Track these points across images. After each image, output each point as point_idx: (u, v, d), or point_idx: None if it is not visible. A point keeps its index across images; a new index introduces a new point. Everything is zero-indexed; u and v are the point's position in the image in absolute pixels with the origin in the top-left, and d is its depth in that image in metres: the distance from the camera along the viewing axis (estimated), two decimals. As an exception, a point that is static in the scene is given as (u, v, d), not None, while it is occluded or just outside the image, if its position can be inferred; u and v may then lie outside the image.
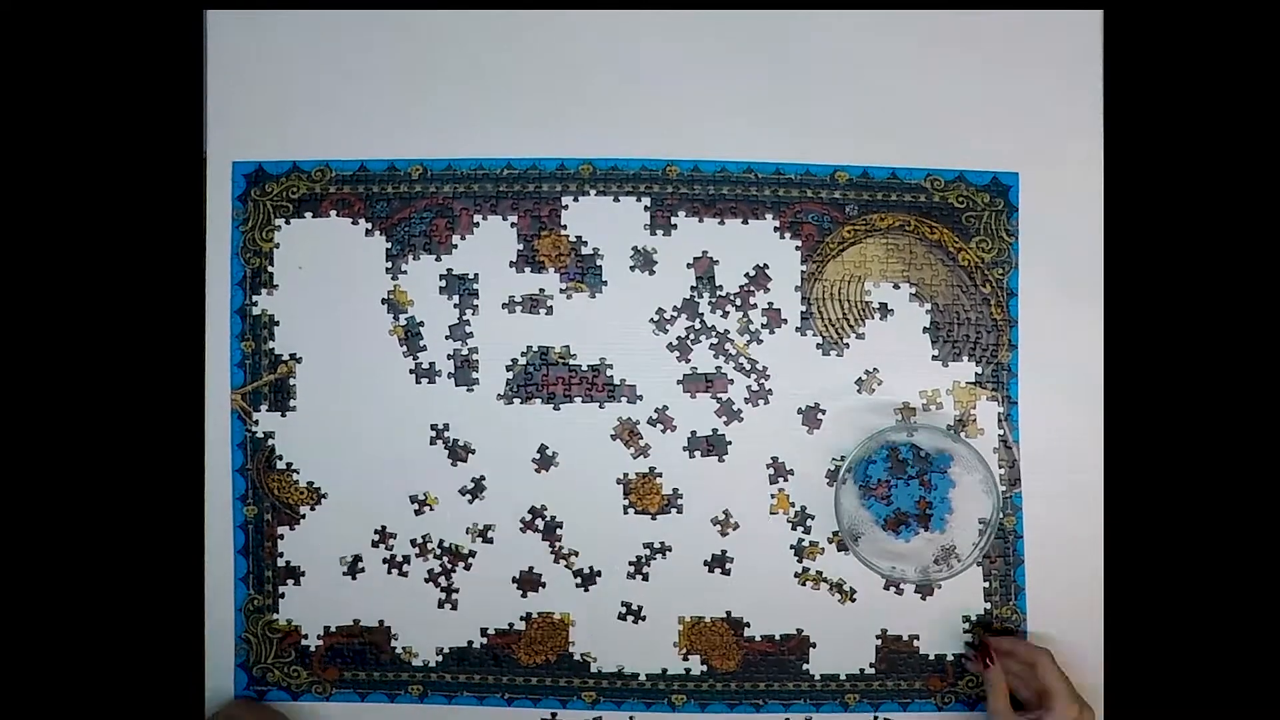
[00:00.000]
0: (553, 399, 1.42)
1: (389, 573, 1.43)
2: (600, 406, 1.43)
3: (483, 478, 1.43)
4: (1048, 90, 1.42)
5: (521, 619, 1.43)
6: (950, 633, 1.42)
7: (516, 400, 1.42)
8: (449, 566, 1.43)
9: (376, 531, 1.43)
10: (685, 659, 1.43)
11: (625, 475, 1.43)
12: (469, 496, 1.43)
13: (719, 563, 1.42)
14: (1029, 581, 1.42)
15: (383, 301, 1.43)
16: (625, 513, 1.43)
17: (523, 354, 1.43)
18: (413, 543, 1.43)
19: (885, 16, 1.42)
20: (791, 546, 1.42)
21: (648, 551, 1.43)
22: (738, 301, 1.42)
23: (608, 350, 1.43)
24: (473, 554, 1.43)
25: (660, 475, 1.43)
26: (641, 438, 1.42)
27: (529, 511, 1.43)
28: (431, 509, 1.43)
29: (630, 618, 1.43)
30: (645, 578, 1.43)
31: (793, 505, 1.42)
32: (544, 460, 1.43)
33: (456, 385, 1.43)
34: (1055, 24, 1.43)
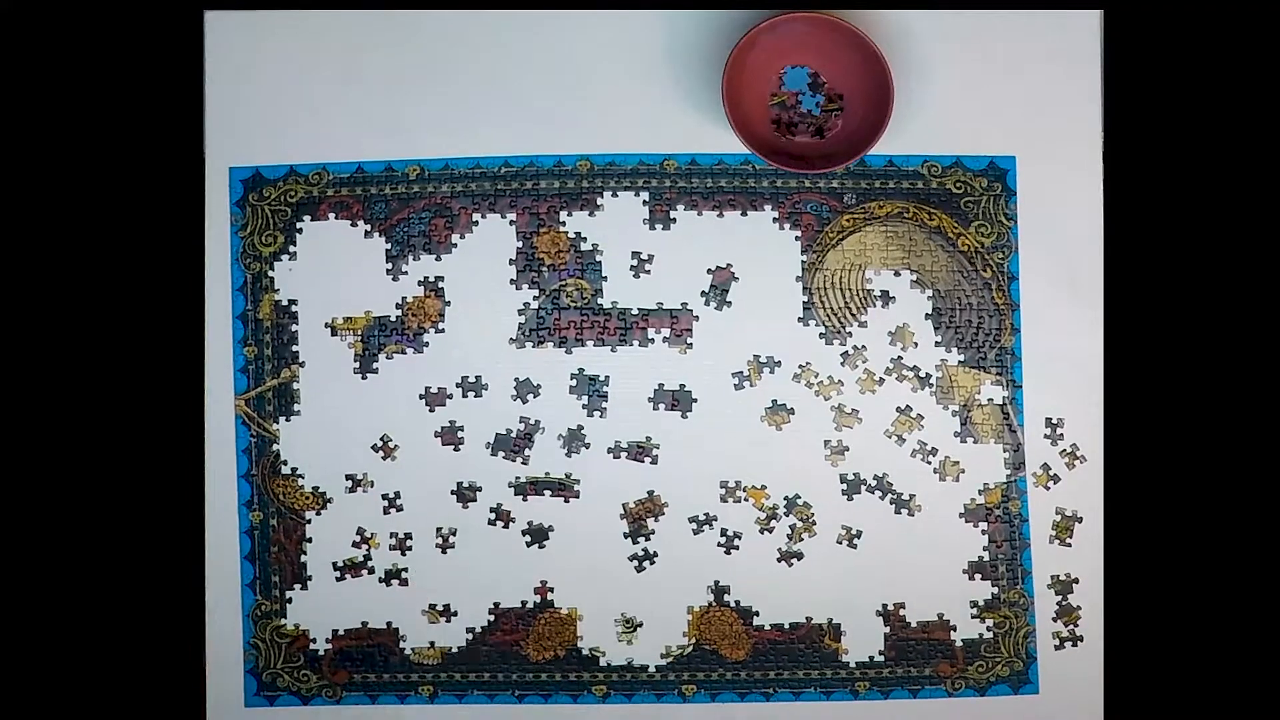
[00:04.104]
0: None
1: (395, 574, 1.44)
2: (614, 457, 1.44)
3: (480, 486, 1.44)
4: (1044, 76, 1.42)
5: (531, 610, 1.44)
6: (960, 616, 1.43)
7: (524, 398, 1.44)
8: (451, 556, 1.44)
9: (386, 534, 1.44)
10: (695, 649, 1.43)
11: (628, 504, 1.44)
12: (466, 500, 1.44)
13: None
14: (1035, 565, 1.43)
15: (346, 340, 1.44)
16: (625, 539, 1.44)
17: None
18: (405, 545, 1.44)
19: (882, 15, 1.43)
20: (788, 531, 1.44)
21: (643, 552, 1.44)
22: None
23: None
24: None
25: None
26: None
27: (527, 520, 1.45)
28: (435, 509, 1.44)
29: (634, 621, 1.44)
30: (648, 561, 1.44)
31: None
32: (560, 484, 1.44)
33: (464, 395, 1.44)
34: (1053, 20, 1.43)
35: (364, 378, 1.43)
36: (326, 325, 1.44)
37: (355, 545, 1.43)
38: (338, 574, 1.43)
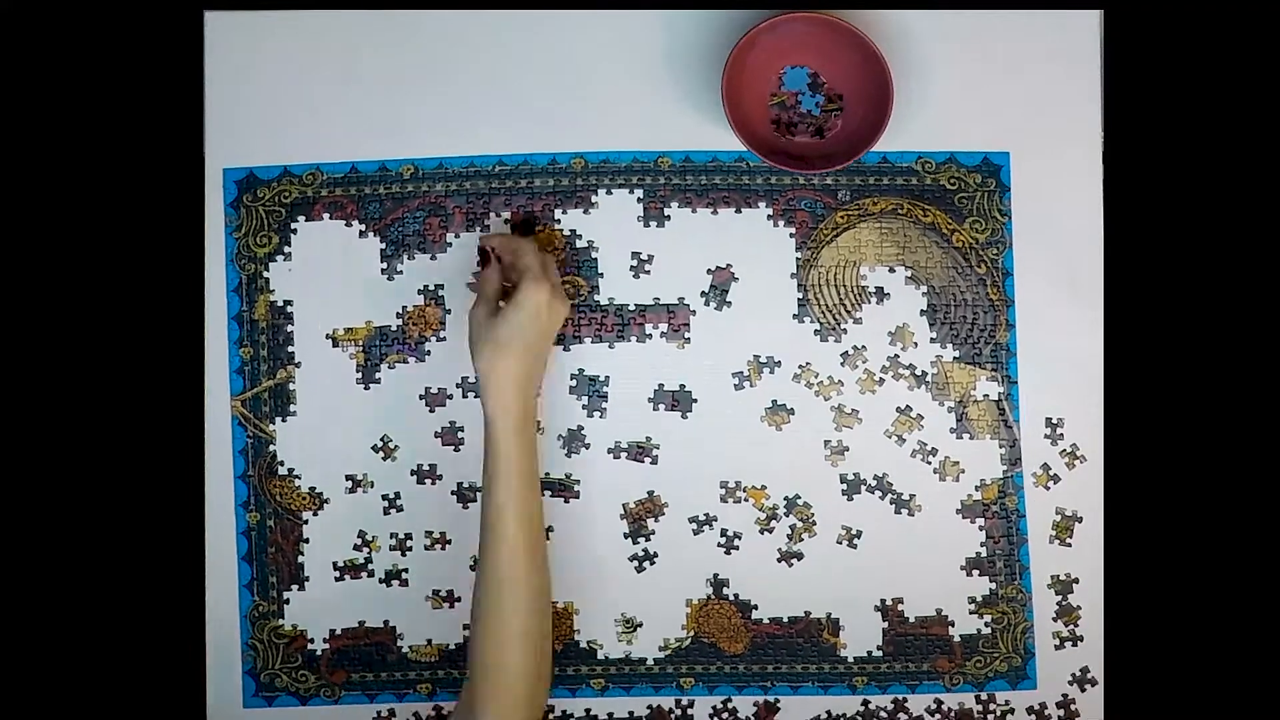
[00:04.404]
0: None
1: (394, 575, 1.44)
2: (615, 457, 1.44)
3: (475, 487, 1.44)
4: (1038, 72, 1.42)
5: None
6: (958, 612, 1.43)
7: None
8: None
9: (380, 534, 1.44)
10: (693, 642, 1.43)
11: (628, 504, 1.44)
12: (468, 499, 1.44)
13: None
14: (1032, 560, 1.43)
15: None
16: (626, 539, 1.44)
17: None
18: (405, 545, 1.44)
19: (882, 15, 1.42)
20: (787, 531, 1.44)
21: (643, 553, 1.44)
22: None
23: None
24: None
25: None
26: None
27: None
28: (435, 509, 1.44)
29: (634, 621, 1.44)
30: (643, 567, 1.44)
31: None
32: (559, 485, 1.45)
33: (464, 396, 1.44)
34: (1053, 20, 1.43)
35: (366, 388, 1.43)
36: (327, 337, 1.43)
37: (356, 548, 1.44)
38: (337, 574, 1.43)
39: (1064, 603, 1.42)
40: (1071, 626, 1.42)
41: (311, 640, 1.43)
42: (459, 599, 1.43)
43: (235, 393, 1.43)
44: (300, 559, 1.43)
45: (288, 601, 1.43)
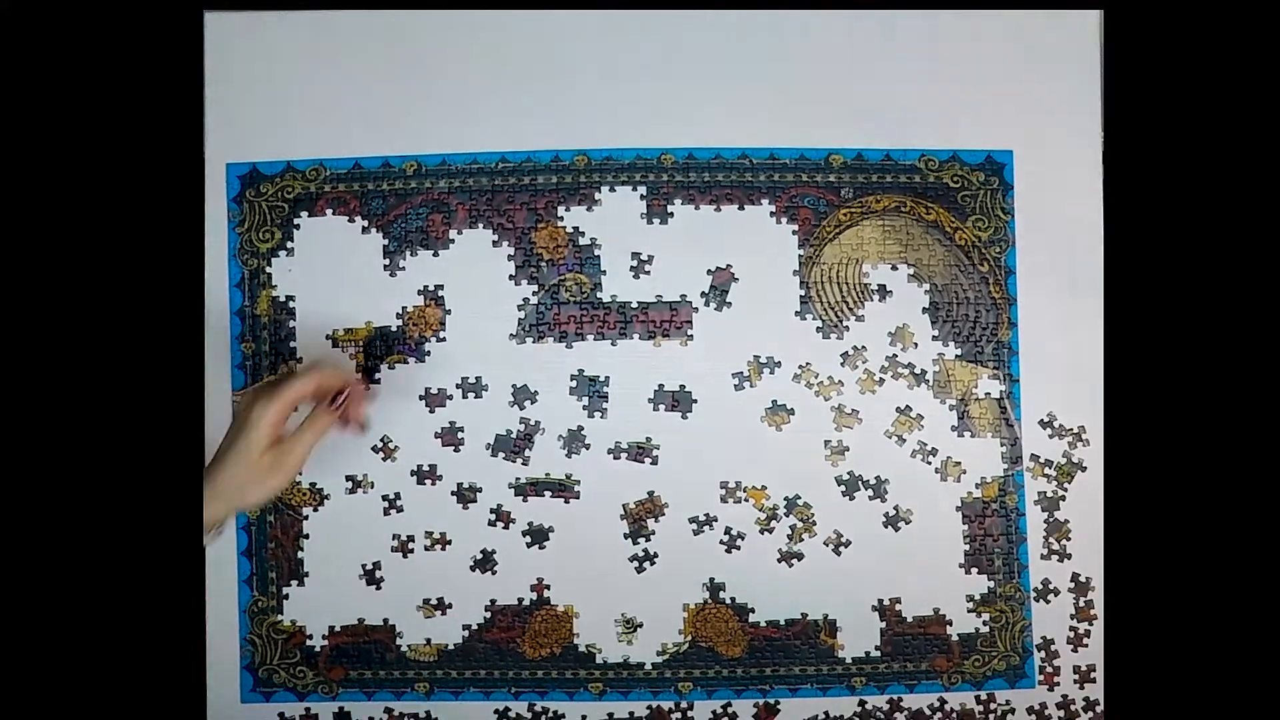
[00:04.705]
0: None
1: (392, 571, 1.43)
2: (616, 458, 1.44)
3: (480, 488, 1.44)
4: (1043, 75, 1.43)
5: (527, 607, 1.44)
6: (956, 611, 1.43)
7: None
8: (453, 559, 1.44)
9: (381, 534, 1.44)
10: (691, 646, 1.43)
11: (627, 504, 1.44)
12: (466, 499, 1.44)
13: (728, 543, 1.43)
14: (1032, 560, 1.43)
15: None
16: (626, 539, 1.44)
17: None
18: (406, 545, 1.44)
19: (882, 15, 1.43)
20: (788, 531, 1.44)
21: (643, 553, 1.44)
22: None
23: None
24: (487, 555, 1.44)
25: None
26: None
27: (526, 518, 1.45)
28: (433, 505, 1.44)
29: (634, 622, 1.44)
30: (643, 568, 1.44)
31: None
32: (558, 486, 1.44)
33: (464, 396, 1.44)
34: (1053, 20, 1.44)
35: (367, 389, 1.43)
36: (327, 337, 1.44)
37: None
38: (347, 568, 1.44)
39: (1063, 601, 1.43)
40: (1071, 625, 1.42)
41: (310, 636, 1.44)
42: (450, 605, 1.43)
43: (237, 388, 1.43)
44: (300, 555, 1.43)
45: (287, 597, 1.43)
